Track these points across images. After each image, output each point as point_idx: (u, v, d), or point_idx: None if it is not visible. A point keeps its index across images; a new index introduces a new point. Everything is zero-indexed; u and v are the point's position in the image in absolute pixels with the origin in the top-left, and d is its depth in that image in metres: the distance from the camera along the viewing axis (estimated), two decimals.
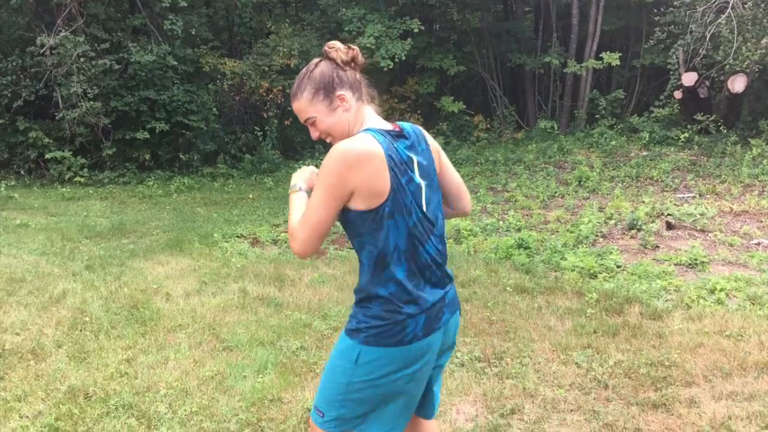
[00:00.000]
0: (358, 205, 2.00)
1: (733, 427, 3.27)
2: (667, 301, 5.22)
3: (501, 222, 8.24)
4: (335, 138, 2.12)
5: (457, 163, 13.60)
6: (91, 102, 11.99)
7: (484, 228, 7.86)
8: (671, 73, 14.80)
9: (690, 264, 6.21)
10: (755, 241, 7.04)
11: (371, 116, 2.14)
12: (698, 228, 7.63)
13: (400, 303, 2.04)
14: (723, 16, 12.67)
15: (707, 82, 13.94)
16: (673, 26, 14.13)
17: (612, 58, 15.39)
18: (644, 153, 13.32)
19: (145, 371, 4.02)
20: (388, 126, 2.12)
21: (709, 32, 12.89)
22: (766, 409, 3.43)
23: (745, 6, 12.56)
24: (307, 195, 2.18)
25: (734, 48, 12.61)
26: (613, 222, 8.03)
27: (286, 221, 8.69)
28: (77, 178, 12.28)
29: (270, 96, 14.81)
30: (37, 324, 4.80)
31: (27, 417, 3.46)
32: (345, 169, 1.95)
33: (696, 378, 3.85)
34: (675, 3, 13.76)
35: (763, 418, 3.36)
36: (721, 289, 5.33)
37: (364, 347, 2.05)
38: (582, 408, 3.54)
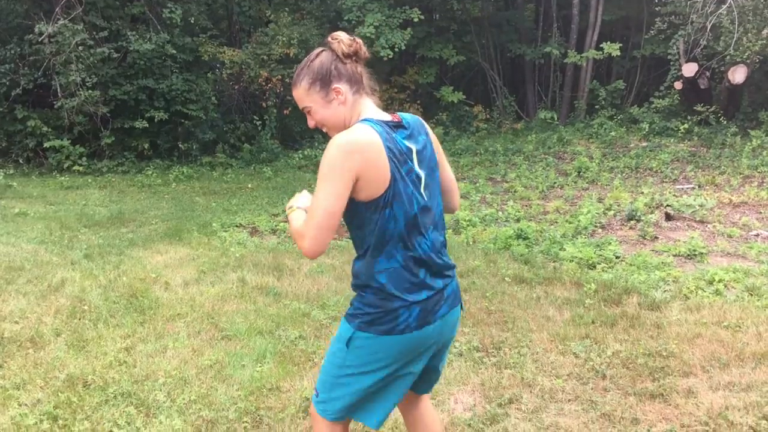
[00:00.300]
0: (360, 195, 2.00)
1: (730, 417, 3.28)
2: (665, 291, 5.22)
3: (500, 212, 8.24)
4: (330, 129, 2.14)
5: (456, 153, 13.59)
6: (90, 91, 11.95)
7: (483, 218, 7.86)
8: (671, 63, 14.77)
9: (689, 255, 6.22)
10: (754, 232, 7.05)
11: (370, 108, 2.13)
12: (697, 219, 7.63)
13: (394, 292, 2.05)
14: (724, 7, 12.63)
15: (707, 73, 13.91)
16: (673, 16, 14.08)
17: (612, 49, 15.35)
18: (644, 144, 13.30)
19: (143, 360, 4.02)
20: (386, 117, 2.12)
21: (709, 23, 12.85)
22: (764, 400, 3.44)
23: None
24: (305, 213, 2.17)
25: (735, 39, 12.57)
26: (612, 213, 8.03)
27: (285, 211, 8.72)
28: (76, 167, 12.25)
29: (269, 85, 14.75)
30: (35, 312, 4.81)
31: (26, 405, 3.46)
32: (345, 157, 1.94)
33: (693, 368, 3.85)
34: None
35: (760, 408, 3.37)
36: (720, 280, 5.34)
37: (357, 332, 2.09)
38: (580, 398, 3.55)
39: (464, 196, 9.44)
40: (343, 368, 2.14)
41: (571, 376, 3.82)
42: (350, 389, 2.16)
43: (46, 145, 12.31)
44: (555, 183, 10.26)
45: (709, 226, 7.37)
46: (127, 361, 4.01)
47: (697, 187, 9.56)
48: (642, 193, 9.15)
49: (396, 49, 14.47)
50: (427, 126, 2.25)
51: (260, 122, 14.63)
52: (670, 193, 9.05)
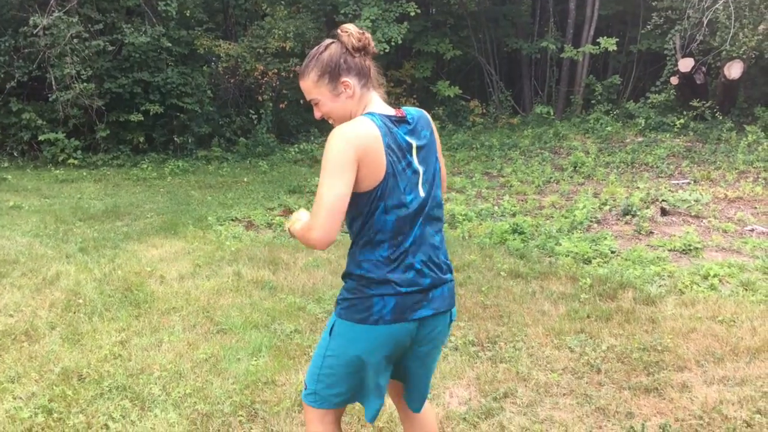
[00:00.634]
0: (357, 186, 2.01)
1: (724, 411, 3.30)
2: (660, 286, 5.24)
3: (496, 207, 8.24)
4: (335, 121, 2.14)
5: (452, 148, 13.58)
6: (85, 83, 11.89)
7: (479, 213, 7.86)
8: (668, 58, 14.77)
9: (684, 250, 6.23)
10: (749, 227, 7.06)
11: (376, 102, 2.14)
12: (693, 214, 7.65)
13: (371, 282, 2.07)
14: (720, 2, 12.64)
15: (704, 68, 13.92)
16: (670, 11, 14.08)
17: (609, 44, 15.34)
18: (640, 139, 13.31)
19: (138, 353, 4.02)
20: (390, 111, 2.12)
21: (706, 18, 12.85)
22: (758, 394, 3.46)
23: None
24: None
25: (731, 34, 12.58)
26: (607, 208, 8.04)
27: (281, 205, 8.70)
28: (71, 160, 12.21)
29: (265, 79, 14.71)
30: (30, 306, 4.79)
31: (20, 398, 3.46)
32: (346, 144, 1.96)
33: (688, 363, 3.87)
34: None
35: (755, 402, 3.38)
36: (715, 275, 5.36)
37: (338, 320, 2.14)
38: (575, 392, 3.56)
39: (460, 190, 9.44)
40: (327, 358, 2.18)
41: (566, 370, 3.83)
42: (335, 377, 2.19)
43: (41, 138, 12.25)
44: (551, 178, 10.26)
45: (704, 221, 7.38)
46: (122, 355, 4.00)
47: (692, 182, 9.58)
48: (637, 188, 9.17)
49: (392, 43, 14.43)
50: (431, 121, 2.25)
51: (256, 116, 14.60)
52: (665, 188, 9.07)
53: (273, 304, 4.87)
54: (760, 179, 9.41)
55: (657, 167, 10.69)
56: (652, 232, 6.96)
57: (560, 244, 6.38)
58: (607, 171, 10.57)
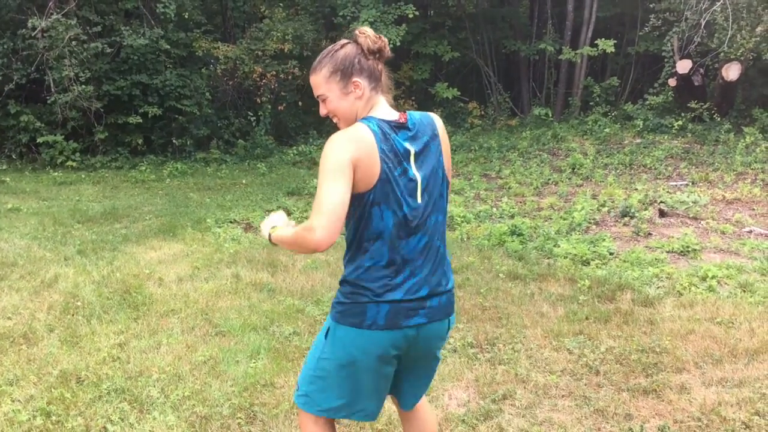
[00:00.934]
0: (352, 187, 2.01)
1: (723, 413, 3.30)
2: (658, 288, 5.24)
3: (494, 209, 8.24)
4: (340, 120, 2.15)
5: (451, 150, 13.53)
6: (83, 86, 11.89)
7: (478, 215, 7.87)
8: (666, 60, 14.79)
9: (682, 251, 6.24)
10: (747, 228, 7.07)
11: (381, 106, 2.15)
12: (691, 216, 7.66)
13: (367, 287, 2.08)
14: (718, 4, 12.65)
15: (702, 70, 13.93)
16: (668, 13, 14.09)
17: (607, 45, 15.35)
18: (638, 140, 13.32)
19: (137, 356, 4.01)
20: (393, 116, 2.12)
21: (704, 19, 12.87)
22: (756, 396, 3.46)
23: None
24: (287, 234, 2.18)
25: (729, 36, 12.59)
26: (606, 209, 8.05)
27: (279, 207, 8.68)
28: (69, 163, 12.20)
29: (263, 81, 14.72)
30: (28, 308, 4.79)
31: (19, 401, 3.45)
32: (342, 146, 1.98)
33: (687, 364, 3.87)
34: None
35: (753, 404, 3.38)
36: (713, 277, 5.36)
37: (333, 323, 2.15)
38: (573, 394, 3.56)
39: (459, 192, 9.44)
40: (321, 361, 2.19)
41: (565, 372, 3.83)
42: (328, 382, 2.19)
43: (39, 140, 12.25)
44: (549, 179, 10.27)
45: (702, 222, 7.39)
46: (121, 357, 4.00)
47: (690, 183, 9.59)
48: (636, 189, 9.18)
49: (390, 45, 14.40)
50: (440, 126, 2.23)
51: (254, 118, 14.60)
52: (663, 189, 9.08)
53: (272, 307, 4.87)
54: (758, 181, 9.42)
55: (655, 169, 10.70)
56: (650, 234, 6.96)
57: (559, 246, 6.39)
58: (606, 172, 10.58)
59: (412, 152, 2.10)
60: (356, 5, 14.71)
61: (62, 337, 4.28)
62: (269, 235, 2.25)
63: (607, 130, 14.17)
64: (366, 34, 2.11)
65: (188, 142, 13.71)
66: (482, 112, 17.36)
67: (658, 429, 3.17)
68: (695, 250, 6.23)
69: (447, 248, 2.26)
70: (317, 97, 2.16)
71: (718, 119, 13.57)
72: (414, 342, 2.16)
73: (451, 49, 16.89)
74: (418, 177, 2.10)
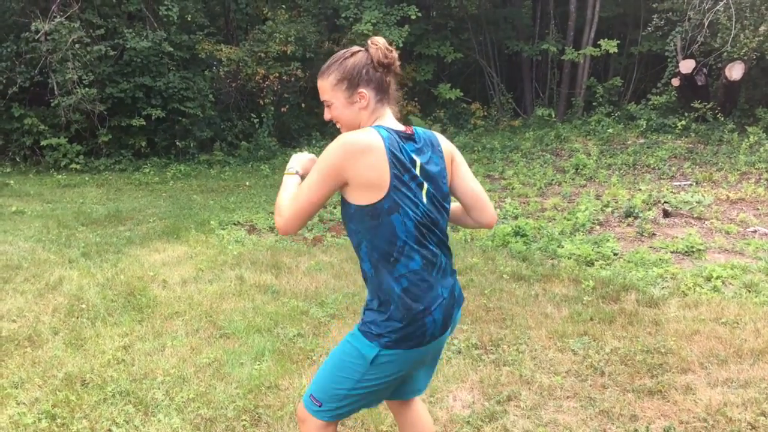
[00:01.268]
0: (357, 199, 2.02)
1: (728, 413, 3.29)
2: (663, 288, 5.23)
3: (498, 210, 8.24)
4: (343, 127, 2.16)
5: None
6: (87, 88, 11.91)
7: None
8: (669, 60, 14.76)
9: (686, 252, 6.22)
10: (751, 228, 7.06)
11: (387, 117, 2.14)
12: (695, 216, 7.64)
13: (417, 300, 2.04)
14: (721, 3, 12.63)
15: (705, 70, 13.91)
16: (671, 13, 14.07)
17: (610, 46, 15.34)
18: (641, 141, 13.31)
19: (142, 358, 4.02)
20: (399, 128, 2.12)
21: (707, 19, 12.84)
22: (762, 396, 3.45)
23: None
24: (301, 180, 2.20)
25: (732, 35, 12.57)
26: (609, 210, 8.03)
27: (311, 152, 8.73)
28: (73, 165, 12.23)
29: (266, 83, 14.73)
30: (33, 311, 4.80)
31: (24, 404, 3.46)
32: (343, 157, 1.98)
33: (692, 365, 3.86)
34: None
35: (759, 404, 3.37)
36: (718, 277, 5.35)
37: (384, 350, 2.06)
38: (578, 395, 3.56)
39: None
40: (362, 382, 2.12)
41: (570, 373, 3.82)
42: (365, 397, 2.17)
43: (43, 143, 12.28)
44: (553, 180, 10.26)
45: (706, 222, 7.38)
46: (126, 360, 4.00)
47: (694, 183, 9.57)
48: (639, 189, 9.16)
49: (393, 47, 14.45)
50: (443, 141, 2.23)
51: (258, 120, 14.61)
52: (667, 189, 9.06)
53: (276, 308, 4.87)
54: (762, 180, 9.40)
55: (659, 169, 10.68)
56: (654, 234, 6.95)
57: (562, 247, 6.38)
58: (609, 173, 10.57)
59: (419, 163, 2.09)
60: (359, 7, 14.72)
61: (67, 340, 4.28)
62: (287, 173, 2.26)
63: (610, 130, 14.16)
64: (378, 45, 2.10)
65: (191, 144, 13.73)
66: (485, 113, 17.36)
67: (664, 430, 3.16)
68: (699, 250, 6.22)
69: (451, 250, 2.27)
70: (322, 101, 2.16)
71: (722, 119, 13.54)
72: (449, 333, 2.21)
73: (453, 50, 16.90)
74: (425, 184, 2.10)
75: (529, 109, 17.85)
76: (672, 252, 6.25)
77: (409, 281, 2.05)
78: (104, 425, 3.25)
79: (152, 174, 12.00)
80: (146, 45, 12.46)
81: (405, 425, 2.47)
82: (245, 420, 3.31)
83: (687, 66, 13.51)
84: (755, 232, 6.94)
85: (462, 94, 16.95)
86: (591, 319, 4.58)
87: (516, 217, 7.79)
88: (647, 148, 12.43)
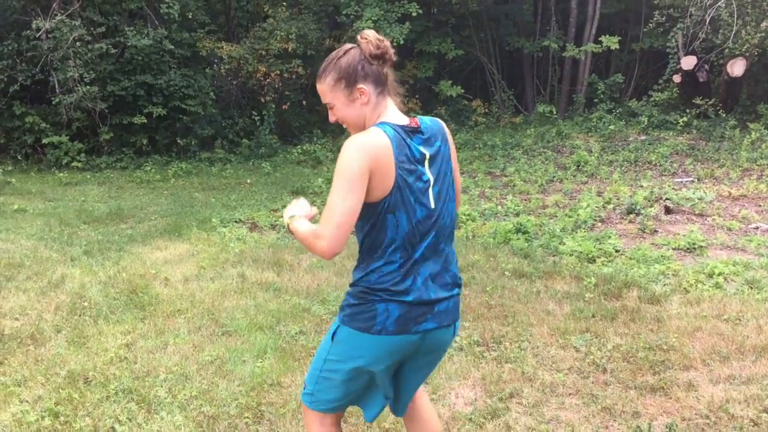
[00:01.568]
0: (368, 196, 2.02)
1: (730, 410, 3.29)
2: (665, 285, 5.23)
3: (499, 207, 8.23)
4: (350, 126, 2.15)
5: (455, 148, 13.57)
6: (88, 86, 11.91)
7: (483, 213, 7.86)
8: (670, 56, 14.74)
9: (688, 248, 6.22)
10: (753, 225, 7.05)
11: (390, 110, 2.13)
12: (697, 212, 7.64)
13: (377, 292, 2.06)
14: (722, 0, 12.60)
15: (706, 66, 13.88)
16: (672, 9, 14.05)
17: (611, 42, 15.31)
18: (643, 137, 13.29)
19: (144, 356, 4.02)
20: (404, 121, 2.11)
21: (708, 15, 12.82)
22: (764, 393, 3.45)
23: None
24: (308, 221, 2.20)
25: (734, 31, 12.55)
26: (611, 206, 8.03)
27: (284, 206, 8.69)
28: (74, 163, 12.23)
29: (267, 80, 14.72)
30: (36, 309, 4.80)
31: (27, 401, 3.46)
32: (360, 156, 1.97)
33: (694, 362, 3.86)
34: None
35: (761, 401, 3.37)
36: (719, 273, 5.35)
37: (341, 326, 2.15)
38: (580, 392, 3.56)
39: (463, 190, 9.43)
40: (328, 362, 2.20)
41: (572, 370, 3.82)
42: (333, 382, 2.20)
43: (45, 141, 12.28)
44: (554, 177, 10.25)
45: (708, 219, 7.37)
46: (128, 358, 4.01)
47: (696, 180, 9.57)
48: (641, 186, 9.16)
49: (394, 44, 14.37)
50: (447, 132, 2.24)
51: (259, 117, 14.60)
52: (669, 186, 9.06)
53: (278, 306, 4.88)
54: (764, 177, 9.39)
55: (660, 165, 10.68)
56: (656, 231, 6.95)
57: (564, 244, 6.38)
58: (611, 169, 10.56)
59: (427, 156, 2.10)
60: (359, 4, 14.69)
61: (69, 338, 4.29)
62: (288, 224, 2.24)
63: (611, 127, 14.15)
64: (368, 38, 2.09)
65: (193, 142, 13.73)
66: (486, 110, 17.34)
67: (666, 427, 3.16)
68: (701, 246, 6.21)
69: (454, 250, 2.26)
70: (325, 104, 2.17)
71: (723, 115, 13.52)
72: (420, 346, 2.16)
73: (454, 47, 16.87)
74: (432, 180, 2.10)
75: (530, 105, 17.83)
76: (674, 249, 6.24)
77: (381, 276, 2.07)
78: (107, 423, 3.26)
79: (153, 172, 12.01)
80: (147, 43, 12.45)
81: (411, 422, 2.47)
82: (248, 417, 3.31)
83: (688, 62, 13.49)
84: (757, 228, 6.93)
85: (463, 91, 16.92)
86: (593, 316, 4.59)
87: (517, 214, 7.78)
88: (649, 144, 12.42)
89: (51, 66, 11.93)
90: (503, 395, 3.51)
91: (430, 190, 2.10)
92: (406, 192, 2.03)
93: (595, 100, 16.06)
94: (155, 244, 6.73)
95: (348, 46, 2.14)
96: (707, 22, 12.92)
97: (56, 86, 11.93)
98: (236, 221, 7.91)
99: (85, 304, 4.91)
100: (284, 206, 8.60)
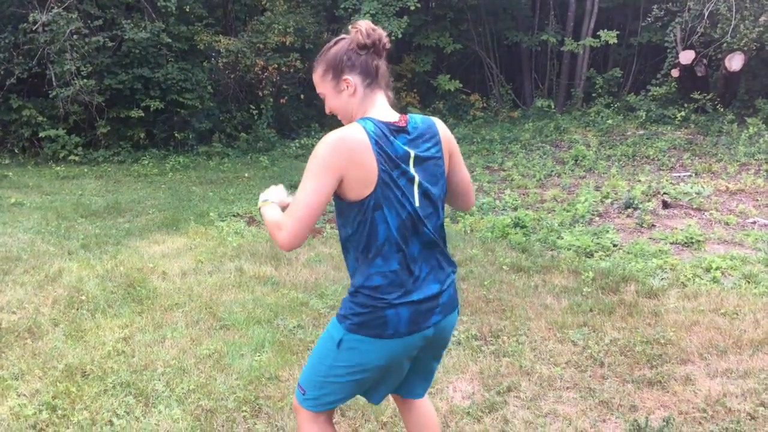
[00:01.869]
0: (345, 194, 2.00)
1: (728, 404, 3.30)
2: (662, 279, 5.23)
3: (497, 201, 8.23)
4: (341, 118, 2.14)
5: (456, 144, 13.55)
6: (85, 80, 11.86)
7: (481, 207, 7.86)
8: (668, 51, 14.73)
9: (686, 243, 6.23)
10: (751, 219, 7.06)
11: (379, 105, 2.09)
12: (694, 207, 7.64)
13: (383, 297, 2.03)
14: None
15: (704, 61, 13.88)
16: (670, 4, 14.03)
17: (609, 36, 15.29)
18: (641, 132, 13.29)
19: (142, 350, 4.02)
20: (392, 118, 2.08)
21: (707, 10, 12.82)
22: (761, 386, 3.46)
23: None
24: (280, 209, 2.18)
25: (732, 26, 12.55)
26: (609, 201, 8.03)
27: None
28: (72, 157, 12.20)
29: (265, 74, 14.68)
30: (33, 302, 4.80)
31: (24, 395, 3.46)
32: (331, 154, 1.95)
33: (691, 356, 3.87)
34: None
35: (758, 395, 3.38)
36: (717, 268, 5.35)
37: (348, 334, 2.07)
38: (578, 385, 3.56)
39: None
40: (334, 368, 2.13)
41: (570, 363, 3.83)
42: (343, 386, 2.16)
43: (42, 134, 12.24)
44: (552, 171, 10.25)
45: (706, 213, 7.38)
46: (126, 351, 4.01)
47: (694, 174, 9.57)
48: (639, 181, 9.16)
49: (392, 38, 14.39)
50: (441, 129, 2.19)
51: (256, 111, 14.57)
52: (667, 180, 9.06)
53: (275, 300, 4.88)
54: (761, 171, 9.39)
55: (658, 160, 10.68)
56: (654, 225, 6.95)
57: (562, 238, 6.38)
58: (609, 164, 10.56)
59: (412, 155, 2.05)
60: None
61: (67, 331, 4.29)
62: (259, 207, 2.22)
63: (609, 121, 14.15)
64: (358, 28, 2.05)
65: (190, 136, 13.69)
66: (484, 104, 17.33)
67: (663, 420, 3.17)
68: (699, 241, 6.22)
69: (448, 239, 2.25)
70: (319, 94, 2.16)
71: (721, 110, 13.52)
72: (432, 339, 2.17)
73: (452, 41, 16.83)
74: (417, 178, 2.06)
75: (528, 100, 17.82)
76: (671, 243, 6.25)
77: (382, 280, 2.04)
78: (105, 416, 3.26)
79: (151, 166, 11.98)
80: (144, 36, 12.40)
81: (408, 418, 2.47)
82: (245, 411, 3.32)
83: (687, 57, 13.48)
84: (754, 223, 6.94)
85: (461, 85, 16.90)
86: (590, 310, 4.59)
87: (515, 209, 7.79)
88: (647, 139, 12.42)
89: (48, 59, 11.88)
90: (501, 389, 3.51)
91: (415, 187, 2.06)
92: (392, 188, 1.99)
93: (594, 95, 16.06)
94: (153, 238, 6.72)
95: (341, 36, 2.11)
96: (706, 17, 12.91)
97: (53, 79, 11.88)
98: (234, 215, 7.90)
99: (83, 297, 4.91)
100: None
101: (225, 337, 4.24)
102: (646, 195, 8.18)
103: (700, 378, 3.60)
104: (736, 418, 3.19)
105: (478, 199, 8.31)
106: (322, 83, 2.11)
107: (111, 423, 3.22)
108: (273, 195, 2.25)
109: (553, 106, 16.21)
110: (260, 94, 14.80)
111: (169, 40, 12.92)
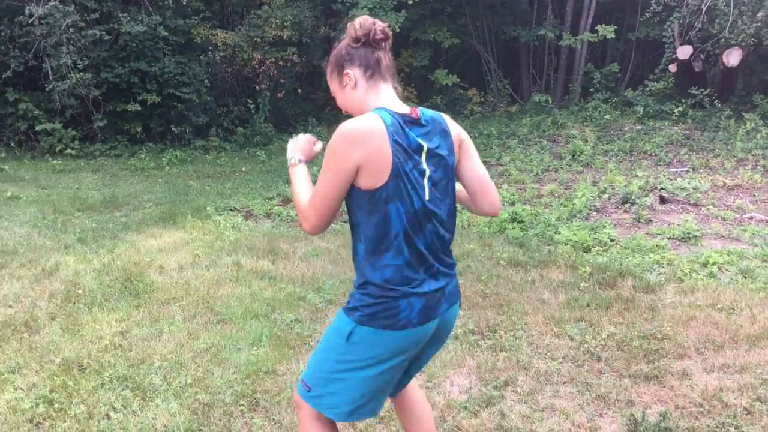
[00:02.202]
0: (360, 182, 1.99)
1: (724, 398, 3.31)
2: (659, 274, 5.24)
3: None
4: (351, 113, 2.14)
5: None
6: (81, 73, 11.83)
7: None
8: (666, 46, 14.72)
9: (683, 238, 6.23)
10: (748, 215, 7.07)
11: (388, 97, 2.11)
12: (691, 202, 7.65)
13: (397, 287, 2.03)
14: None
15: (702, 56, 13.88)
16: None
17: (607, 31, 15.28)
18: (638, 127, 13.29)
19: (139, 344, 4.02)
20: (404, 110, 2.08)
21: (704, 5, 12.81)
22: (758, 381, 3.47)
23: None
24: (306, 167, 2.20)
25: (730, 21, 12.54)
26: (606, 196, 8.04)
27: (279, 194, 8.65)
28: (68, 151, 12.17)
29: (262, 68, 14.66)
30: (30, 296, 4.79)
31: (21, 389, 3.46)
32: (346, 146, 1.95)
33: (688, 350, 3.88)
34: None
35: (755, 389, 3.39)
36: (714, 263, 5.36)
37: (358, 326, 2.06)
38: (575, 380, 3.57)
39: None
40: (342, 363, 2.10)
41: (566, 358, 3.83)
42: (349, 383, 2.11)
43: (38, 128, 12.20)
44: (549, 166, 10.25)
45: (703, 209, 7.39)
46: (123, 345, 4.00)
47: (691, 170, 9.58)
48: (636, 176, 9.16)
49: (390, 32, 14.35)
50: (451, 124, 2.19)
51: (254, 105, 14.55)
52: (664, 176, 9.07)
53: (273, 294, 4.87)
54: (758, 167, 9.41)
55: (656, 155, 10.69)
56: (651, 220, 6.96)
57: (559, 233, 6.38)
58: (606, 159, 10.57)
59: (425, 148, 2.06)
60: None
61: (64, 325, 4.28)
62: (290, 166, 2.22)
63: (607, 116, 14.14)
64: (352, 23, 2.09)
65: (187, 130, 13.67)
66: (482, 99, 17.31)
67: (660, 415, 3.17)
68: (696, 236, 6.23)
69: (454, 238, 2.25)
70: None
71: (719, 105, 13.53)
72: (437, 330, 2.17)
73: (450, 36, 16.81)
74: (428, 172, 2.06)
75: (526, 95, 17.81)
76: (668, 238, 6.26)
77: (393, 272, 2.03)
78: (102, 410, 3.26)
79: (148, 159, 11.96)
80: (141, 29, 12.37)
81: (403, 412, 2.47)
82: (243, 405, 3.31)
83: (684, 52, 13.48)
84: (751, 218, 6.95)
85: (459, 80, 16.89)
86: (587, 305, 4.60)
87: (513, 204, 7.78)
88: (644, 134, 12.42)
89: (44, 52, 11.84)
90: (498, 383, 3.51)
91: (426, 181, 2.06)
92: (404, 180, 1.99)
93: (591, 90, 16.05)
94: (150, 232, 6.71)
95: (344, 36, 2.15)
96: (703, 12, 12.90)
97: (49, 73, 11.85)
98: (231, 209, 7.89)
99: (80, 291, 4.90)
100: (278, 195, 8.55)
101: (222, 331, 4.23)
102: (644, 190, 8.19)
103: (696, 373, 3.60)
104: (733, 412, 3.20)
105: None
106: (331, 82, 2.18)
107: (108, 417, 3.21)
108: (298, 149, 2.25)
109: (550, 101, 16.20)
110: (257, 88, 14.79)
111: (166, 34, 12.88)
